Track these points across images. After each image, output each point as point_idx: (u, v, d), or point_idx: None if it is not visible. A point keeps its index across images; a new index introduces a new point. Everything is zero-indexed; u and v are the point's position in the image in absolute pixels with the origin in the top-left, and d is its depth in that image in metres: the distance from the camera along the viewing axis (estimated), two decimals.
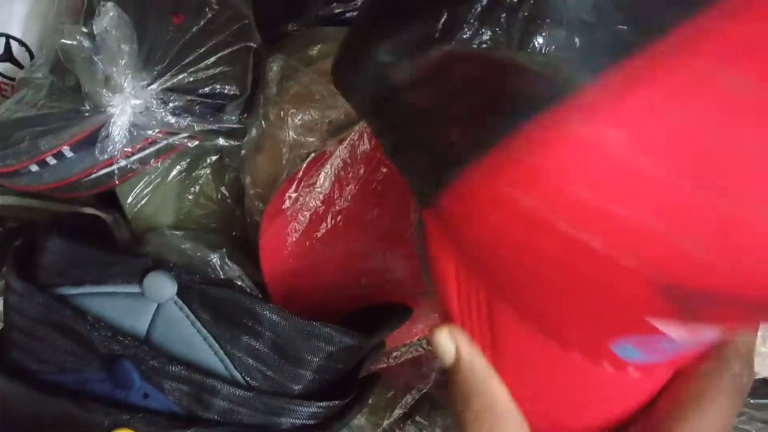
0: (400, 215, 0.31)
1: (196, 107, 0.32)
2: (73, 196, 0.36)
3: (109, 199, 0.38)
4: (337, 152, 0.30)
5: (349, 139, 0.30)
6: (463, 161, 0.14)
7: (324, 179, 0.30)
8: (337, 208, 0.31)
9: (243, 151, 0.34)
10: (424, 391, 0.39)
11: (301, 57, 0.34)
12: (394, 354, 0.39)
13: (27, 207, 0.38)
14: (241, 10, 0.33)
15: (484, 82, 0.13)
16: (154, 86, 0.31)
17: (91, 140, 0.32)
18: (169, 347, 0.27)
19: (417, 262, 0.31)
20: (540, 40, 0.12)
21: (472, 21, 0.13)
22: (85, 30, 0.31)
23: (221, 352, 0.27)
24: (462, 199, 0.15)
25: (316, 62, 0.34)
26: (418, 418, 0.40)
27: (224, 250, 0.32)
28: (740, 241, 0.12)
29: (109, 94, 0.31)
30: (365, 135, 0.30)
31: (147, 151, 0.33)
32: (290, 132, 0.31)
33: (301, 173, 0.30)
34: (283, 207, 0.31)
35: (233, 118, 0.33)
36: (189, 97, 0.32)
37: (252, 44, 0.33)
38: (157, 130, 0.32)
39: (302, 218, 0.31)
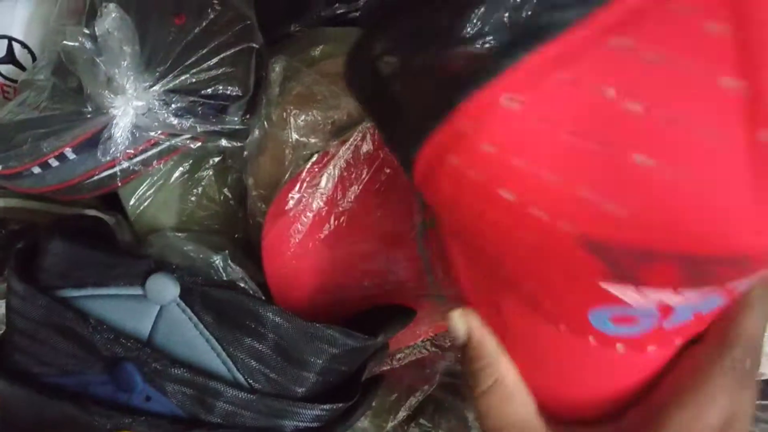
0: (404, 217, 0.31)
1: (199, 108, 0.32)
2: (75, 198, 0.36)
3: (112, 201, 0.38)
4: (340, 153, 0.30)
5: (351, 140, 0.30)
6: (422, 137, 0.16)
7: (327, 180, 0.30)
8: (340, 209, 0.31)
9: (245, 153, 0.34)
10: (428, 393, 0.39)
11: (303, 58, 0.34)
12: (398, 356, 0.39)
13: (29, 209, 0.38)
14: (243, 11, 0.33)
15: (433, 67, 0.15)
16: (156, 87, 0.31)
17: (94, 142, 0.32)
18: (172, 350, 0.27)
19: (420, 263, 0.31)
20: (478, 25, 0.14)
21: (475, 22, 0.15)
22: (87, 31, 0.31)
23: (224, 354, 0.27)
24: (425, 173, 0.17)
25: (319, 63, 0.34)
26: (422, 421, 0.40)
27: (227, 251, 0.32)
28: (645, 196, 0.14)
29: (112, 96, 0.31)
30: (368, 136, 0.30)
31: (149, 153, 0.33)
32: (293, 133, 0.31)
33: (303, 174, 0.30)
34: (286, 208, 0.30)
35: (236, 119, 0.33)
36: (191, 99, 0.32)
37: (254, 45, 0.33)
38: (159, 132, 0.32)
39: (305, 219, 0.31)
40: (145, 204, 0.36)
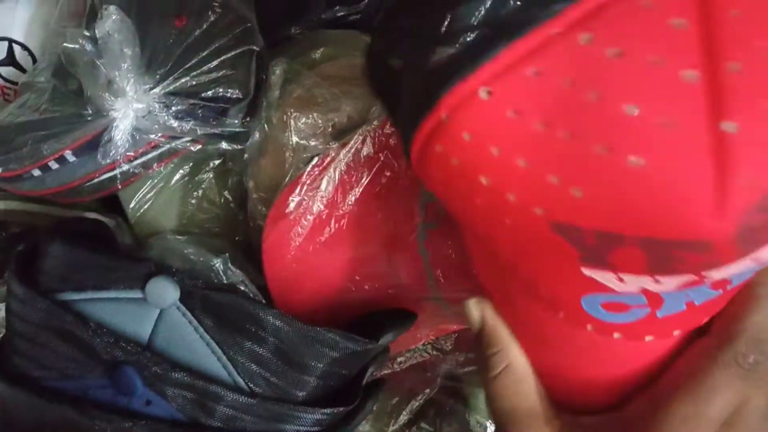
0: (404, 219, 0.31)
1: (199, 111, 0.32)
2: (75, 201, 0.36)
3: (112, 203, 0.38)
4: (341, 156, 0.30)
5: (352, 142, 0.30)
6: (414, 128, 0.17)
7: (327, 183, 0.30)
8: (341, 212, 0.31)
9: (246, 155, 0.34)
10: (430, 396, 0.39)
11: (303, 60, 0.34)
12: (399, 359, 0.39)
13: (29, 212, 0.38)
14: (244, 14, 0.33)
15: (422, 63, 0.17)
16: (156, 90, 0.31)
17: (94, 144, 0.32)
18: (172, 353, 0.27)
19: (421, 266, 0.31)
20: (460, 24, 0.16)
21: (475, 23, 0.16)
22: (87, 34, 0.31)
23: (224, 358, 0.27)
24: (418, 161, 0.18)
25: (319, 65, 0.34)
26: (423, 424, 0.40)
27: (227, 254, 0.32)
28: (606, 182, 0.15)
29: (112, 98, 0.31)
30: (368, 139, 0.30)
31: (150, 155, 0.33)
32: (293, 136, 0.31)
33: (304, 177, 0.30)
34: (286, 211, 0.30)
35: (236, 121, 0.33)
36: (192, 101, 0.32)
37: (255, 47, 0.33)
38: (159, 134, 0.32)
39: (305, 222, 0.31)
40: (146, 207, 0.36)
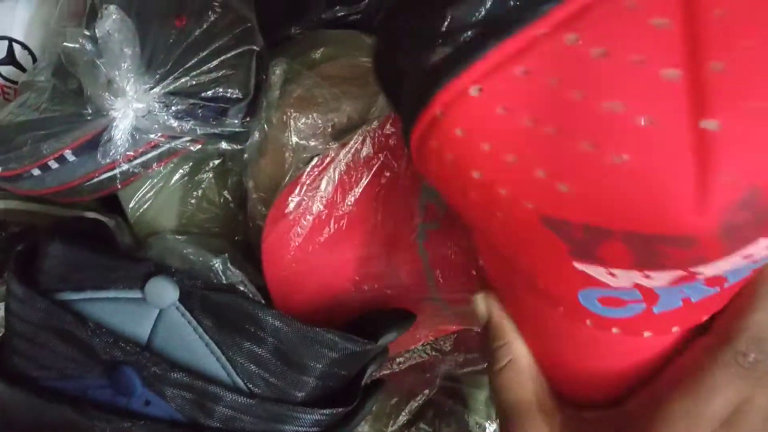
0: (403, 220, 0.31)
1: (199, 111, 0.32)
2: (75, 201, 0.36)
3: (112, 203, 0.38)
4: (340, 156, 0.30)
5: (352, 143, 0.30)
6: (411, 123, 0.18)
7: (327, 183, 0.30)
8: (340, 212, 0.31)
9: (245, 155, 0.34)
10: (429, 397, 0.39)
11: (303, 60, 0.34)
12: (398, 360, 0.39)
13: (29, 211, 0.38)
14: (244, 14, 0.33)
15: (420, 62, 0.17)
16: (156, 90, 0.31)
17: (94, 144, 0.32)
18: (171, 353, 0.27)
19: (420, 266, 0.31)
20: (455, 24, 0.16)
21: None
22: (87, 33, 0.31)
23: (223, 358, 0.27)
24: (417, 157, 0.19)
25: (319, 65, 0.34)
26: (422, 425, 0.40)
27: (226, 255, 0.32)
28: (590, 178, 0.15)
29: (112, 98, 0.31)
30: (368, 139, 0.30)
31: (149, 155, 0.33)
32: (293, 136, 0.31)
33: (303, 177, 0.30)
34: (286, 211, 0.30)
35: (236, 121, 0.33)
36: (191, 101, 0.32)
37: (255, 47, 0.33)
38: (159, 134, 0.32)
39: (305, 223, 0.31)
40: (145, 206, 0.36)
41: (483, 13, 0.16)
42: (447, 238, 0.30)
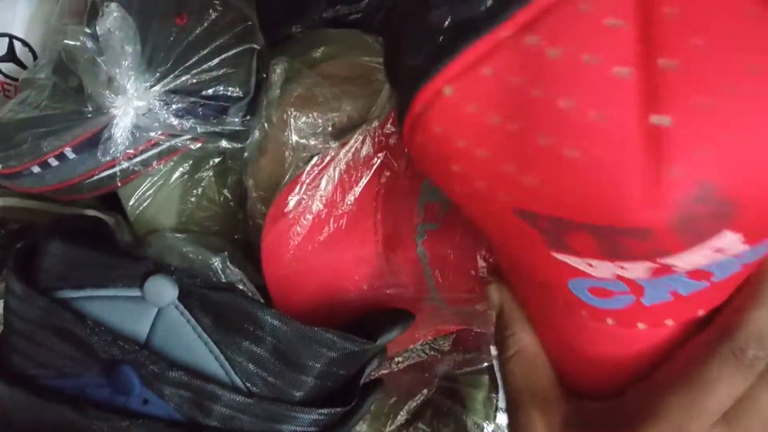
0: (403, 220, 0.31)
1: (199, 109, 0.32)
2: (75, 198, 0.36)
3: (111, 201, 0.38)
4: (340, 156, 0.30)
5: (351, 142, 0.30)
6: (402, 119, 0.19)
7: (327, 182, 0.30)
8: (340, 211, 0.31)
9: (246, 154, 0.34)
10: (427, 397, 0.39)
11: (304, 59, 0.34)
12: (397, 360, 0.39)
13: (28, 209, 0.38)
14: (245, 12, 0.33)
15: (407, 64, 0.18)
16: (157, 88, 0.31)
17: (94, 142, 0.32)
18: (170, 352, 0.27)
19: (419, 266, 0.31)
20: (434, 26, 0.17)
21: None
22: (88, 31, 0.31)
23: (222, 357, 0.27)
24: (409, 151, 0.20)
25: (320, 64, 0.34)
26: (420, 425, 0.40)
27: (226, 253, 0.32)
28: (550, 171, 0.16)
29: (112, 96, 0.31)
30: (368, 138, 0.30)
31: (149, 153, 0.33)
32: (293, 134, 0.31)
33: (303, 176, 0.30)
34: (286, 210, 0.30)
35: (236, 120, 0.33)
36: (192, 99, 0.32)
37: (255, 46, 0.33)
38: (159, 132, 0.32)
39: (305, 222, 0.31)
40: (145, 204, 0.36)
41: (457, 16, 0.17)
42: (446, 238, 0.30)
